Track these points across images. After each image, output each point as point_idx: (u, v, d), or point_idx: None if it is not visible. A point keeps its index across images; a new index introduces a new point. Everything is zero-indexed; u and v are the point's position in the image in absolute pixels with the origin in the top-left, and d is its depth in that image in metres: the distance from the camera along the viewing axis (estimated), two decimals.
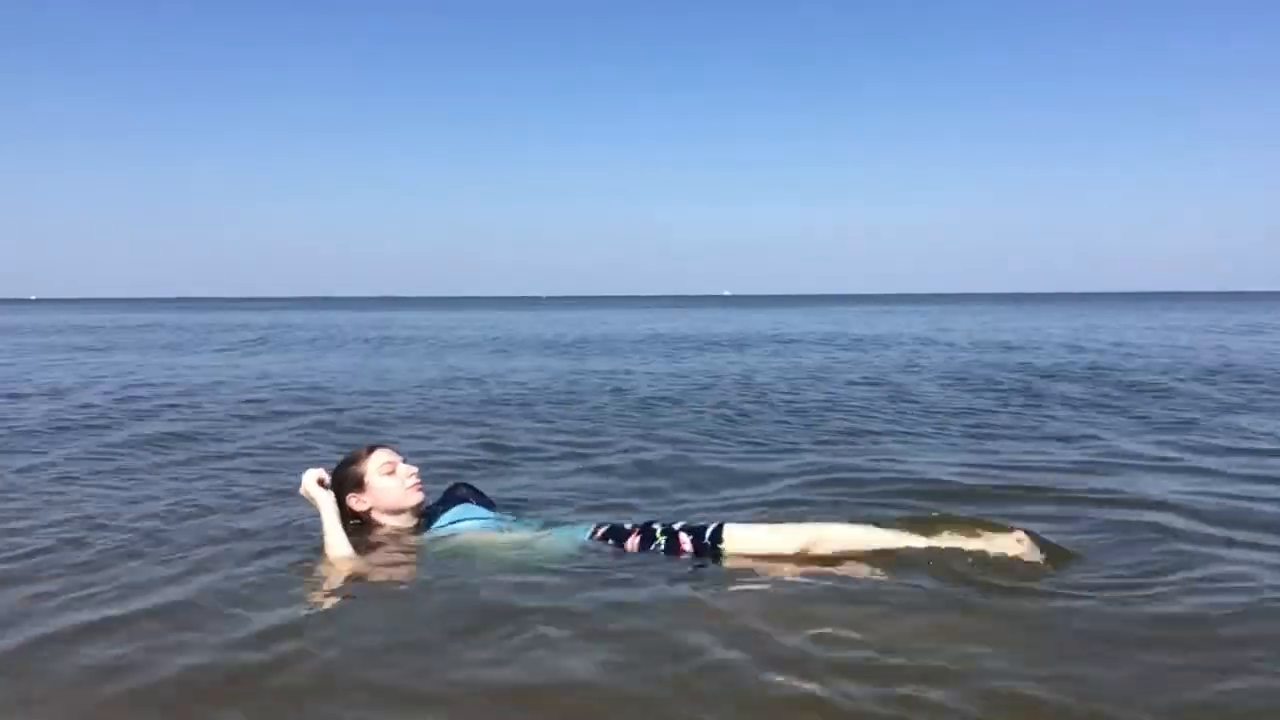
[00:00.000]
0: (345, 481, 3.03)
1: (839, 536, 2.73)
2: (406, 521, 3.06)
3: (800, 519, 3.08)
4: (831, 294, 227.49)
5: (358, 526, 3.03)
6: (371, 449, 3.11)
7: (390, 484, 3.02)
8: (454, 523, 3.01)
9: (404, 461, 3.10)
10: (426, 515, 3.08)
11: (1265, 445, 4.91)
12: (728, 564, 2.72)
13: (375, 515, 3.05)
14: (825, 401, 7.21)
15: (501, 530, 2.99)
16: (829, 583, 2.56)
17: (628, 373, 10.09)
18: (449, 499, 3.16)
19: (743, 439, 5.36)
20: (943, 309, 42.11)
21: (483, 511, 3.11)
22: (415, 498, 3.04)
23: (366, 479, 3.02)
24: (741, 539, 2.75)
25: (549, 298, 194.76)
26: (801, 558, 2.70)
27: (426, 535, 2.99)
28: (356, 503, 3.02)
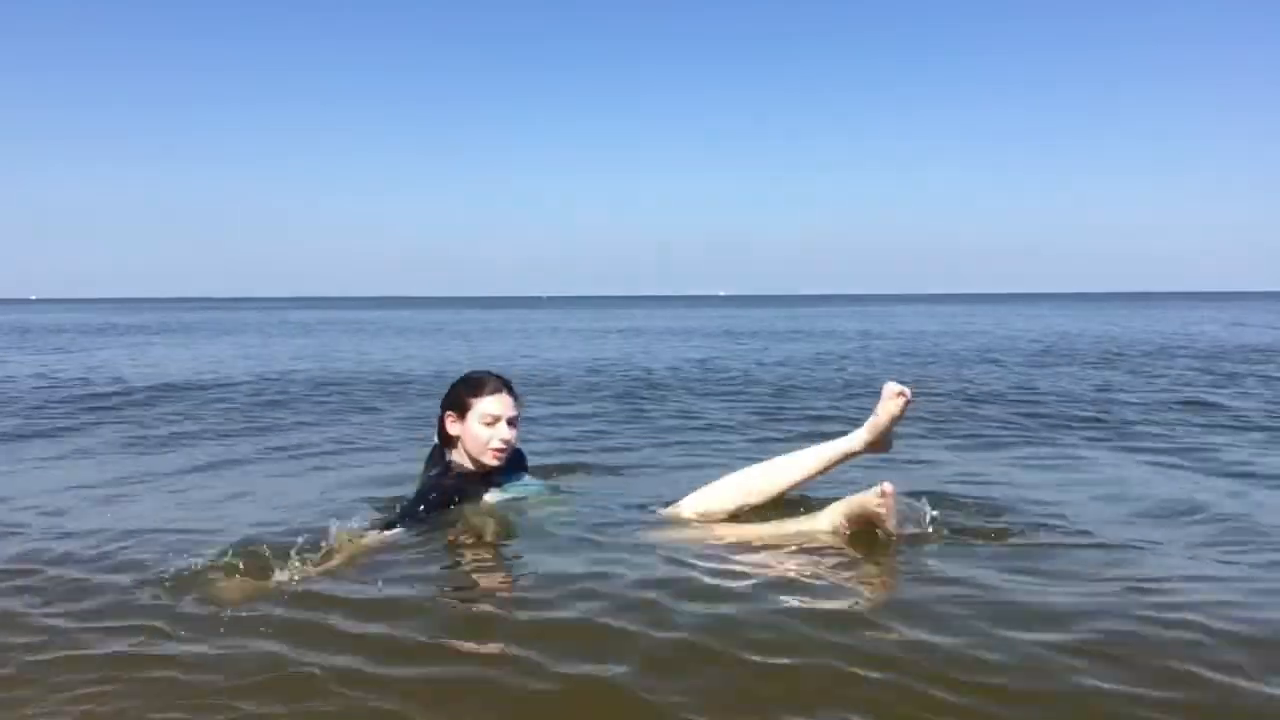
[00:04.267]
0: (456, 399, 2.99)
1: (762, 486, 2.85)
2: (474, 470, 3.00)
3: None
4: (825, 294, 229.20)
5: (441, 450, 3.06)
6: (495, 389, 2.98)
7: (480, 434, 2.94)
8: (520, 487, 3.08)
9: (508, 424, 2.98)
10: (488, 475, 3.03)
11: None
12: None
13: (457, 446, 3.00)
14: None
15: (555, 497, 3.10)
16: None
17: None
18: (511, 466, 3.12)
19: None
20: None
21: (536, 483, 3.18)
22: (490, 462, 2.97)
23: (470, 413, 2.95)
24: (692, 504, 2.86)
25: (549, 298, 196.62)
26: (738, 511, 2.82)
27: (498, 497, 2.99)
28: (450, 422, 2.99)
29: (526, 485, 3.13)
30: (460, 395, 2.98)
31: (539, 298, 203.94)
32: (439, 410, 3.05)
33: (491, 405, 2.95)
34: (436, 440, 3.08)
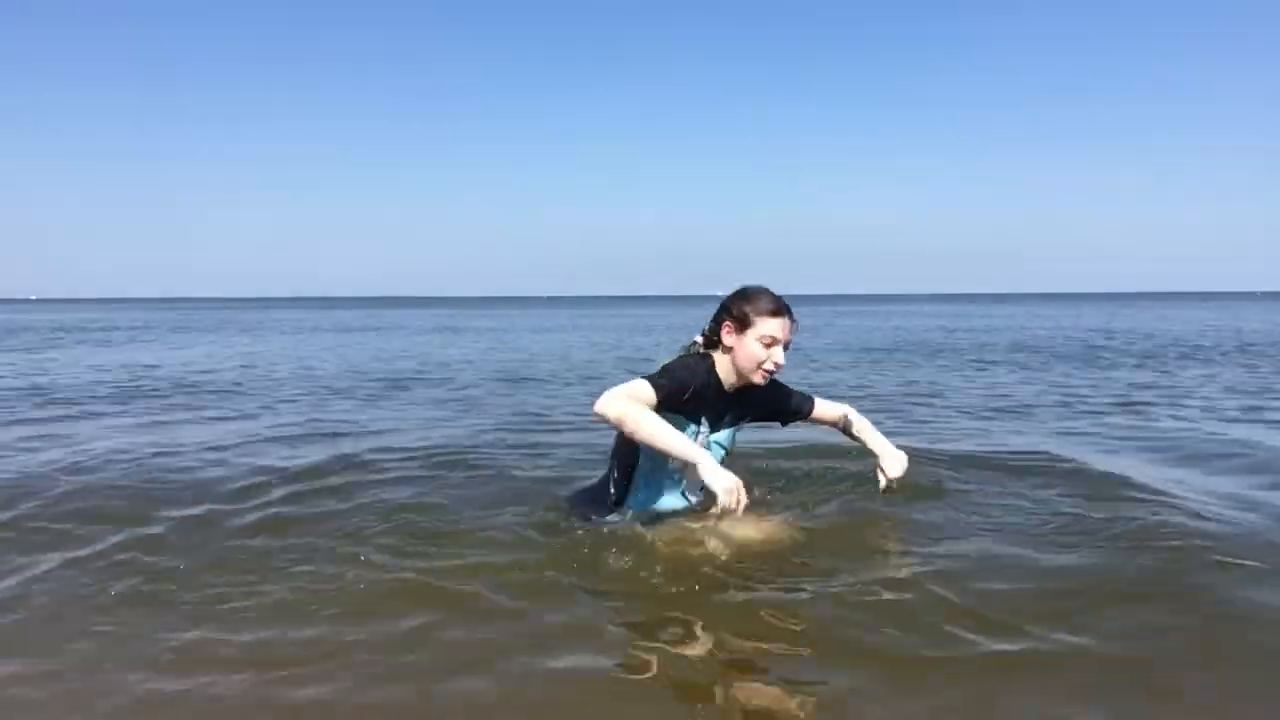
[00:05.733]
0: (740, 312, 3.02)
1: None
2: (729, 380, 3.09)
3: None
4: (827, 295, 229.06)
5: (702, 354, 3.10)
6: (780, 312, 3.02)
7: (757, 353, 3.00)
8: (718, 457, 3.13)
9: (784, 349, 3.05)
10: (712, 412, 3.10)
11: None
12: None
13: (724, 353, 3.07)
14: None
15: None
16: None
17: None
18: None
19: None
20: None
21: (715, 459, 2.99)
22: (759, 380, 3.06)
23: (750, 329, 2.99)
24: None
25: (549, 298, 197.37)
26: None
27: (701, 446, 2.90)
28: (727, 332, 3.04)
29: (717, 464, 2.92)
30: (745, 310, 3.00)
31: (539, 298, 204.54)
32: (712, 318, 3.10)
33: (773, 327, 2.98)
34: (699, 343, 3.13)
